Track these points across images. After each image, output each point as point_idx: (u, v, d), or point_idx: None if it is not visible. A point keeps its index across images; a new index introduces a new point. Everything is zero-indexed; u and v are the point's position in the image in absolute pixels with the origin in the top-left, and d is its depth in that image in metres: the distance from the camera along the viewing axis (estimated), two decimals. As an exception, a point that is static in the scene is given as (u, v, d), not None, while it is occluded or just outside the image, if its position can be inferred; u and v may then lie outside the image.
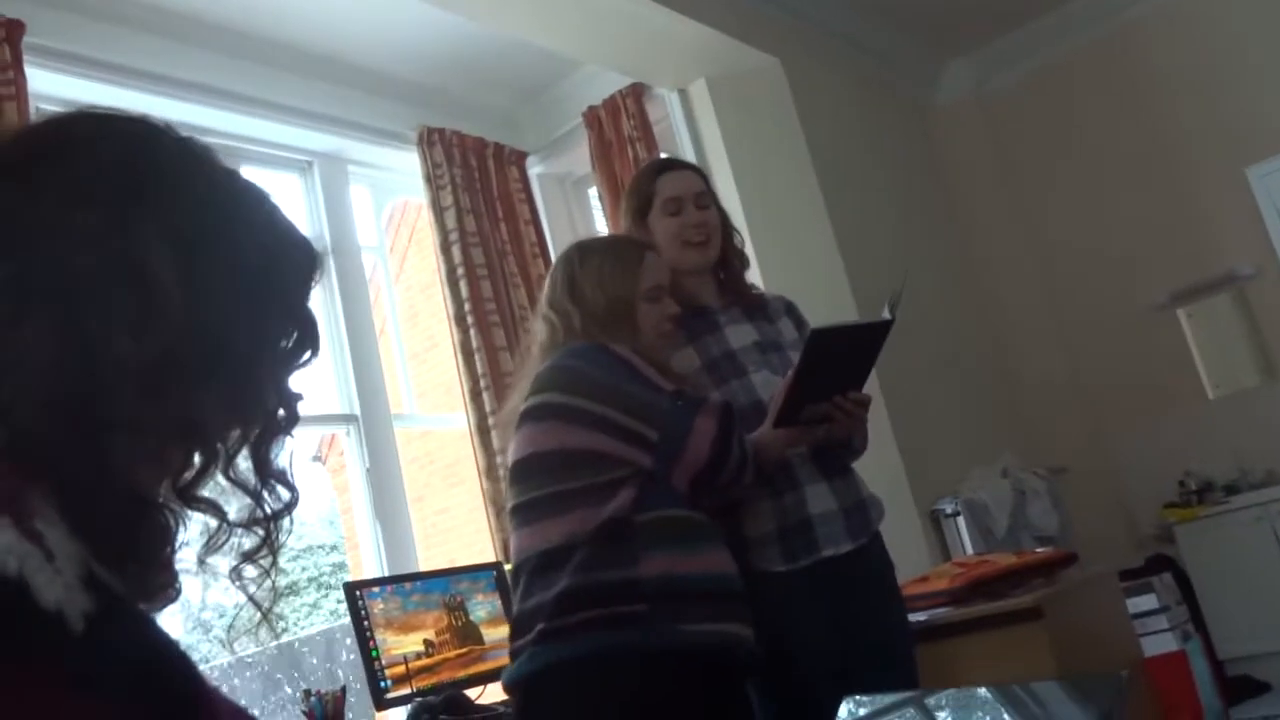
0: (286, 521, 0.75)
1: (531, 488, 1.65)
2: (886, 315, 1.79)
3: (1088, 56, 4.89)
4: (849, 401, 1.80)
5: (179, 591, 0.71)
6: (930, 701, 1.02)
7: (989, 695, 1.01)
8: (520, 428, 1.70)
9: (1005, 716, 0.93)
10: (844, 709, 1.06)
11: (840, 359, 1.79)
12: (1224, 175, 4.32)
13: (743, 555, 1.78)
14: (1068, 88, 4.95)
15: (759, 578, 1.78)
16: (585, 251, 1.90)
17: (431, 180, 4.00)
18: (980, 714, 0.95)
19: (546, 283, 1.88)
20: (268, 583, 0.74)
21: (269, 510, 0.73)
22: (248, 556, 0.73)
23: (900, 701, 1.01)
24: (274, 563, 0.75)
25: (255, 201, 0.77)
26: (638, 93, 4.14)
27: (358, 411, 3.70)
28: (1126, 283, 4.77)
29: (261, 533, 0.74)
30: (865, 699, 1.02)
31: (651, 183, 2.02)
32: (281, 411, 0.75)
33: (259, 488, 0.73)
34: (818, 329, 1.76)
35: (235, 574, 0.73)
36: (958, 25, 4.84)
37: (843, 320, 1.82)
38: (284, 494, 0.74)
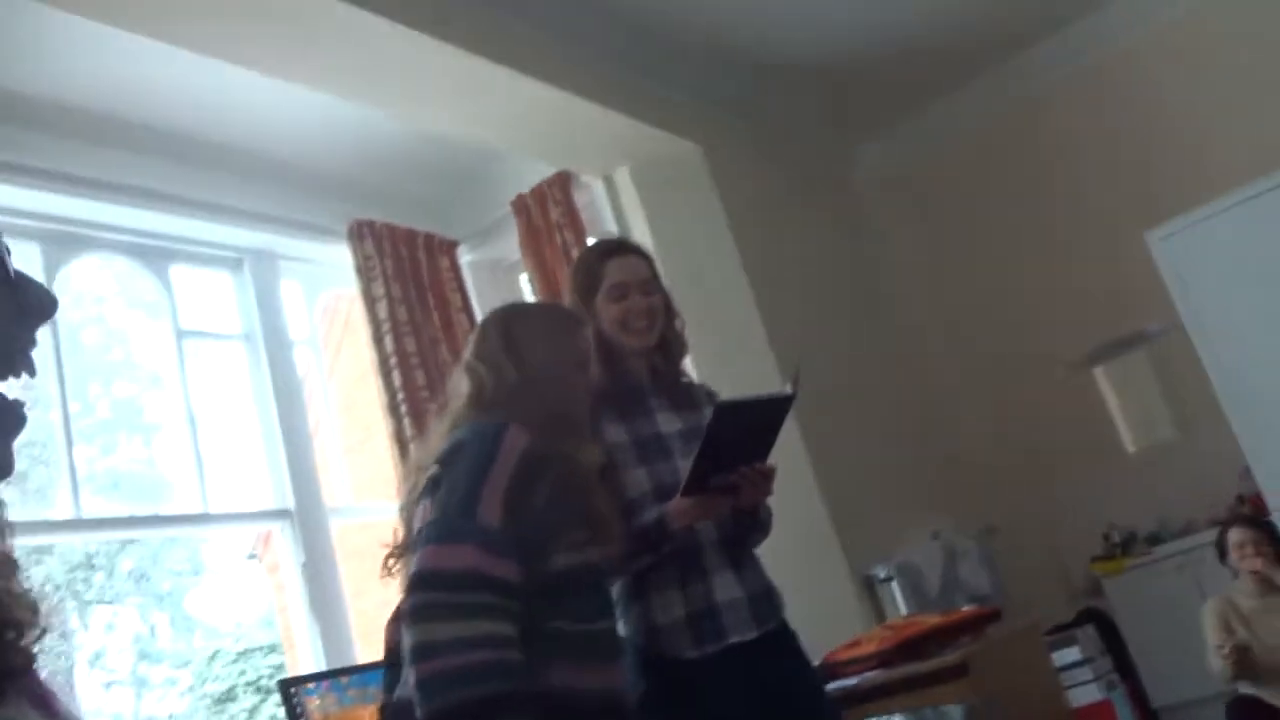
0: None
1: None
2: (788, 390, 1.86)
3: (995, 131, 5.14)
4: (753, 471, 1.86)
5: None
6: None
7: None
8: (421, 499, 1.65)
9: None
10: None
11: (745, 432, 1.85)
12: (1127, 239, 4.54)
13: (654, 642, 1.81)
14: (979, 161, 5.19)
15: (671, 665, 1.82)
16: (524, 310, 1.93)
17: (363, 272, 4.05)
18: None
19: (475, 336, 1.84)
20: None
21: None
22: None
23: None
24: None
25: None
26: (564, 180, 4.26)
27: (292, 506, 3.69)
28: (1045, 344, 4.95)
29: None
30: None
31: (600, 265, 2.05)
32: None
33: None
34: (721, 403, 1.83)
35: None
36: (871, 106, 5.07)
37: (746, 395, 1.88)
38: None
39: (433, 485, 1.64)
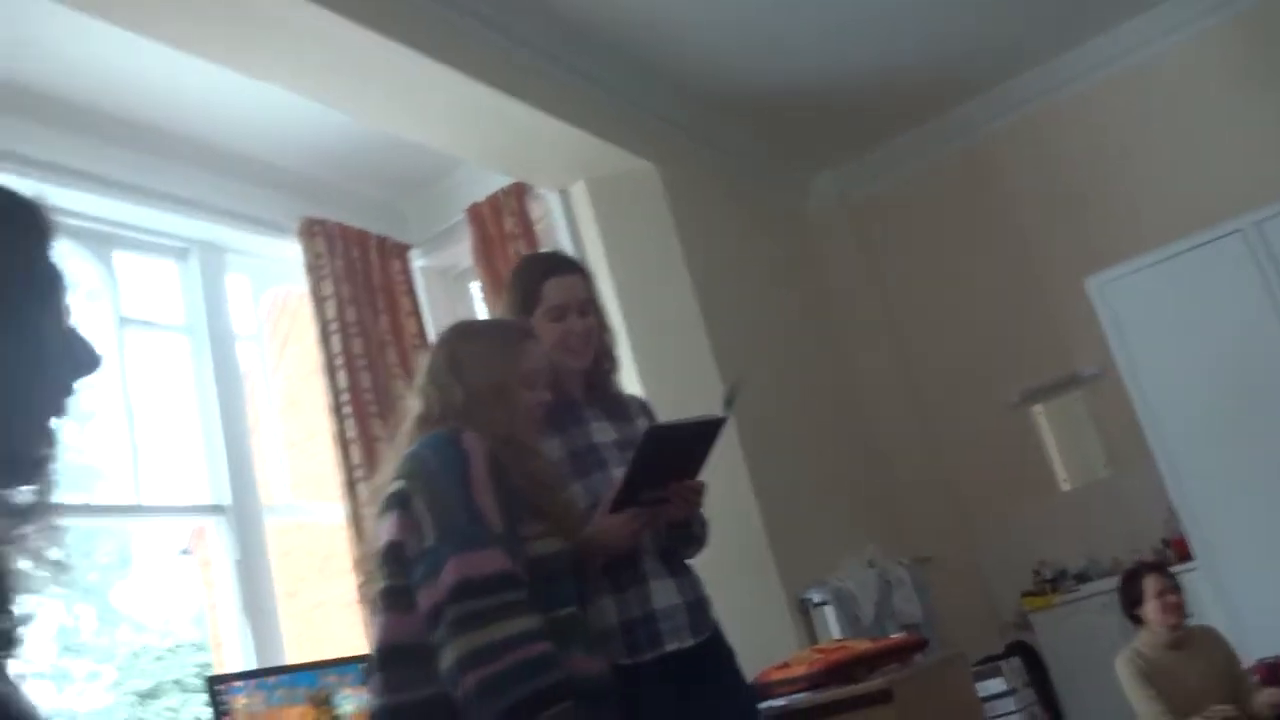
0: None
1: (404, 573, 1.64)
2: (720, 414, 1.89)
3: (944, 171, 5.26)
4: (682, 486, 1.89)
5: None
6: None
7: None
8: (386, 512, 1.70)
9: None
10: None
11: (676, 453, 1.88)
12: (1066, 283, 4.66)
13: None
14: (927, 199, 5.30)
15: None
16: (470, 330, 1.94)
17: (313, 270, 4.02)
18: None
19: (427, 358, 1.88)
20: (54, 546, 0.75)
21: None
22: (22, 514, 0.75)
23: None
24: (52, 516, 0.77)
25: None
26: (520, 191, 4.27)
27: (228, 502, 3.64)
28: (985, 381, 5.05)
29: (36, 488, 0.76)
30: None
31: (538, 283, 2.06)
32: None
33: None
34: (653, 426, 1.86)
35: (20, 544, 0.74)
36: (825, 140, 5.16)
37: (680, 418, 1.90)
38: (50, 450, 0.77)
39: (399, 499, 1.67)
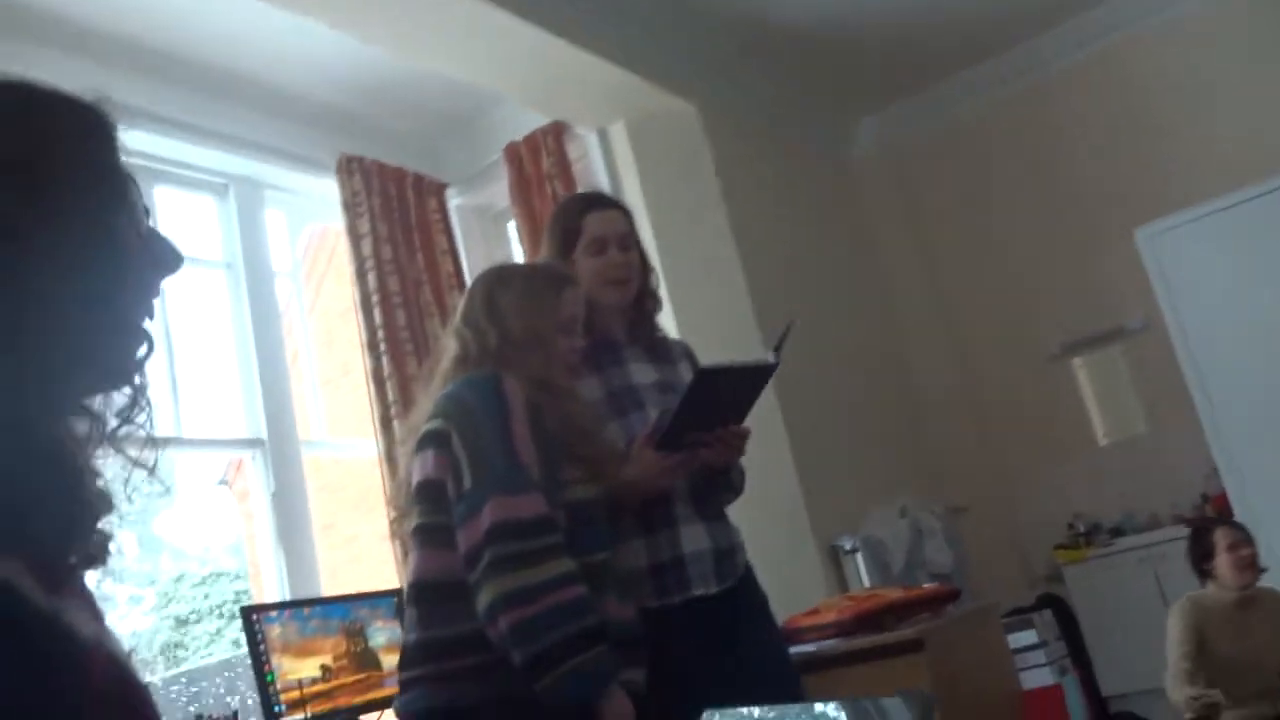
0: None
1: (438, 511, 1.66)
2: (771, 359, 1.86)
3: (994, 116, 5.13)
4: (727, 432, 1.87)
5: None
6: (789, 716, 1.09)
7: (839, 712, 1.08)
8: (422, 449, 1.72)
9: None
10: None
11: (724, 396, 1.86)
12: (1116, 233, 4.55)
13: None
14: (974, 145, 5.18)
15: None
16: (508, 274, 1.93)
17: (349, 207, 4.01)
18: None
19: (464, 300, 1.89)
20: (150, 446, 0.78)
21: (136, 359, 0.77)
22: (124, 415, 0.77)
23: (759, 715, 1.08)
24: (149, 418, 0.78)
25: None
26: (558, 131, 4.22)
27: (264, 436, 3.68)
28: (1026, 331, 4.98)
29: (130, 390, 0.77)
30: (727, 712, 1.08)
31: (578, 219, 2.04)
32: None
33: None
34: (704, 368, 1.83)
35: (114, 441, 0.76)
36: (867, 84, 5.03)
37: (730, 361, 1.88)
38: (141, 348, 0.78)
39: (436, 438, 1.68)
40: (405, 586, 1.72)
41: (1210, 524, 3.36)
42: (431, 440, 1.69)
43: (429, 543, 1.67)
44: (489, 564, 1.54)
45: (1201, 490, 4.42)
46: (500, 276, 1.92)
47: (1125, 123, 4.80)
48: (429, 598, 1.66)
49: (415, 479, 1.71)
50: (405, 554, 1.85)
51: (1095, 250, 4.81)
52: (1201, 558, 3.22)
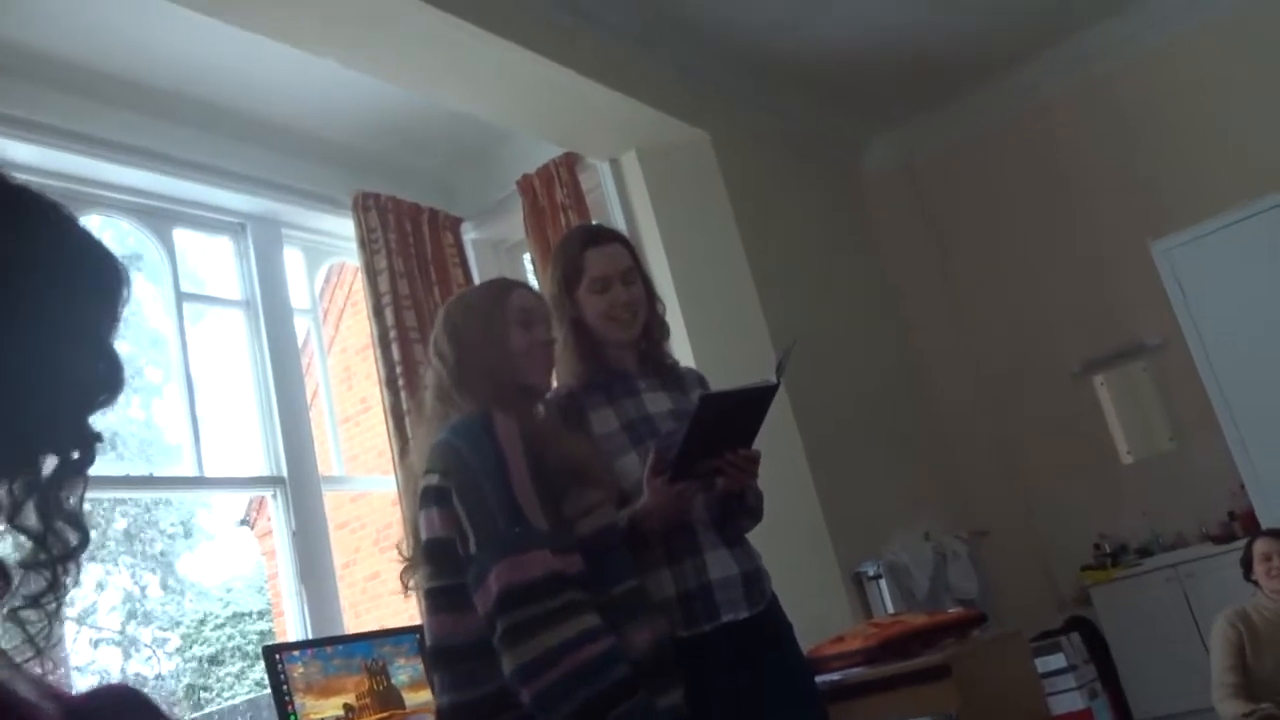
0: (74, 566, 0.71)
1: (448, 572, 1.64)
2: (772, 380, 1.86)
3: (1006, 133, 5.13)
4: (738, 456, 1.87)
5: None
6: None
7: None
8: (426, 506, 1.69)
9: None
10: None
11: (729, 421, 1.86)
12: (1130, 248, 4.53)
13: None
14: (989, 162, 5.18)
15: None
16: (461, 295, 1.98)
17: (366, 244, 4.04)
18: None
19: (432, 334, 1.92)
20: (47, 629, 0.69)
21: (55, 553, 0.69)
22: (34, 600, 0.68)
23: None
24: (58, 608, 0.70)
25: (49, 216, 0.70)
26: (570, 162, 4.24)
27: (285, 474, 3.69)
28: (1046, 349, 4.95)
29: (48, 576, 0.69)
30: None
31: (579, 256, 2.04)
32: (76, 453, 0.71)
33: (44, 530, 0.69)
34: (705, 394, 1.84)
35: (13, 616, 0.68)
36: (882, 104, 5.05)
37: (732, 385, 1.88)
38: (72, 537, 0.70)
39: (437, 495, 1.66)
40: (428, 649, 1.71)
41: (1256, 534, 3.39)
42: (433, 498, 1.67)
43: (445, 607, 1.65)
44: (503, 634, 1.51)
45: (1229, 507, 4.36)
46: (456, 298, 1.96)
47: (1138, 137, 4.79)
48: (452, 660, 1.64)
49: (423, 535, 1.70)
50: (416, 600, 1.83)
51: (1112, 265, 4.79)
52: (1247, 567, 3.27)
